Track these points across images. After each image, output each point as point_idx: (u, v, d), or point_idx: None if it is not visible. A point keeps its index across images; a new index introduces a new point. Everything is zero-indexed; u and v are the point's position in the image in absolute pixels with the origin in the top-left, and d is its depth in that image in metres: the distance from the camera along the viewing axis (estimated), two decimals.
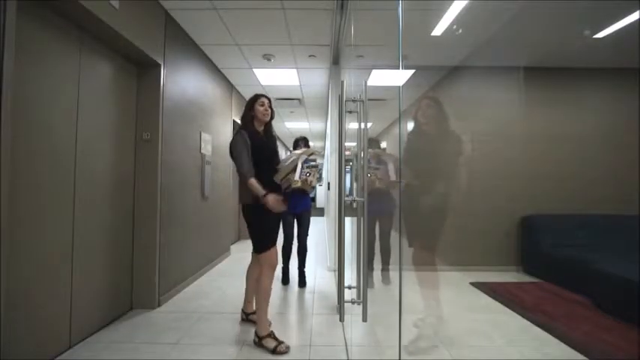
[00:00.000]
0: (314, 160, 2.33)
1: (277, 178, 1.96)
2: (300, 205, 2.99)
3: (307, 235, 3.15)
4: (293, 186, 2.26)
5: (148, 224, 2.41)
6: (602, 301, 2.15)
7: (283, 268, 3.17)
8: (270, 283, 1.92)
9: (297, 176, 2.22)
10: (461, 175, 1.92)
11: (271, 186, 1.91)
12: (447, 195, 1.82)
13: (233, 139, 1.95)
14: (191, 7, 2.50)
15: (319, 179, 2.40)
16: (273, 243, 1.97)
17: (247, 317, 2.19)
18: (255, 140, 1.94)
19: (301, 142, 3.16)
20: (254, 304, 2.15)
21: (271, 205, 1.84)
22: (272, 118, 2.10)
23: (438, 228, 1.82)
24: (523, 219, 3.40)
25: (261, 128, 2.05)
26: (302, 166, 2.33)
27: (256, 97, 2.04)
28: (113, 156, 2.18)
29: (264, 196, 1.84)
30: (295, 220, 3.08)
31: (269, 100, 2.07)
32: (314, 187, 2.43)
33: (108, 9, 1.84)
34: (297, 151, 2.05)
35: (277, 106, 5.14)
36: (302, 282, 3.12)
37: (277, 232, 2.06)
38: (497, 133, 3.42)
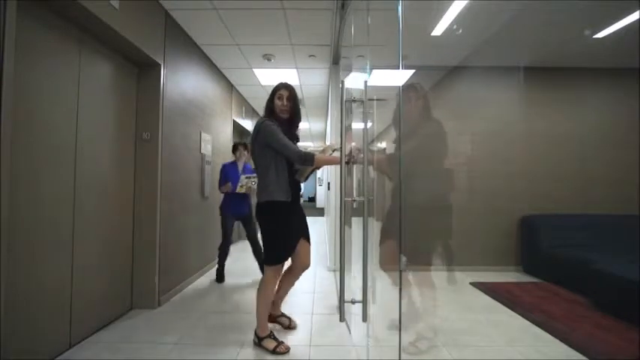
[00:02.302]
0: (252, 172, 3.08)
1: (301, 177, 1.87)
2: (243, 207, 3.11)
3: (257, 233, 3.04)
4: (238, 191, 3.02)
5: (147, 224, 2.41)
6: (601, 301, 2.16)
7: (218, 268, 3.15)
8: (273, 289, 1.87)
9: (242, 183, 3.01)
10: (447, 175, 1.88)
11: (292, 186, 1.79)
12: (437, 195, 1.78)
13: (265, 127, 1.70)
14: (191, 7, 2.50)
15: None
16: (287, 258, 1.80)
17: (275, 320, 2.08)
18: (283, 127, 1.76)
19: (240, 146, 3.22)
20: (281, 306, 2.12)
21: (337, 161, 1.69)
22: (296, 116, 1.85)
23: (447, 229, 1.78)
24: (523, 219, 3.40)
25: (284, 118, 1.83)
26: (250, 178, 3.09)
27: (277, 89, 1.81)
28: (113, 156, 2.17)
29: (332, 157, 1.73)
30: (242, 223, 3.17)
31: (290, 91, 1.80)
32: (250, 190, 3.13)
33: (108, 9, 1.84)
34: (311, 145, 1.99)
35: None
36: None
37: (295, 244, 1.81)
38: (497, 133, 3.42)
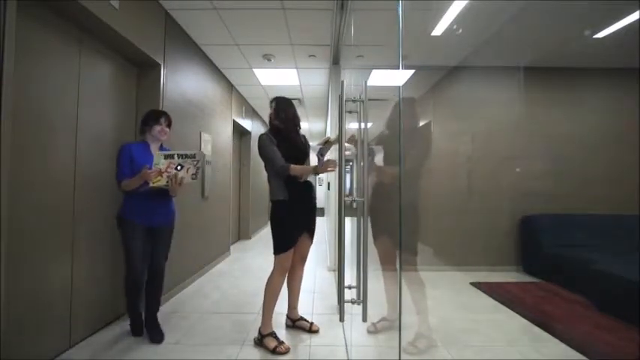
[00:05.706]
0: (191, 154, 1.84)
1: (300, 179, 1.95)
2: (158, 215, 1.92)
3: (166, 258, 2.02)
4: (154, 185, 1.74)
5: None
6: (602, 301, 2.15)
7: (132, 315, 1.96)
8: (280, 285, 1.93)
9: (160, 165, 1.73)
10: (426, 174, 1.97)
11: (291, 186, 1.91)
12: (416, 195, 1.84)
13: (259, 141, 1.96)
14: (191, 7, 2.50)
15: (195, 176, 1.87)
16: (287, 248, 1.91)
17: (294, 324, 2.14)
18: (280, 137, 1.96)
19: (162, 118, 1.96)
20: (298, 309, 2.18)
21: (329, 167, 1.83)
22: (286, 123, 2.03)
23: (414, 228, 1.81)
24: (523, 219, 3.40)
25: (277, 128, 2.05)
26: (175, 157, 1.78)
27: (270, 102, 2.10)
28: (113, 156, 2.17)
29: (317, 168, 1.87)
30: (152, 241, 1.94)
31: (275, 104, 2.06)
32: (180, 185, 1.82)
33: (108, 9, 1.84)
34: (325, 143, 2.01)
35: None
36: (156, 333, 1.92)
37: (297, 238, 1.96)
38: (497, 133, 3.42)
